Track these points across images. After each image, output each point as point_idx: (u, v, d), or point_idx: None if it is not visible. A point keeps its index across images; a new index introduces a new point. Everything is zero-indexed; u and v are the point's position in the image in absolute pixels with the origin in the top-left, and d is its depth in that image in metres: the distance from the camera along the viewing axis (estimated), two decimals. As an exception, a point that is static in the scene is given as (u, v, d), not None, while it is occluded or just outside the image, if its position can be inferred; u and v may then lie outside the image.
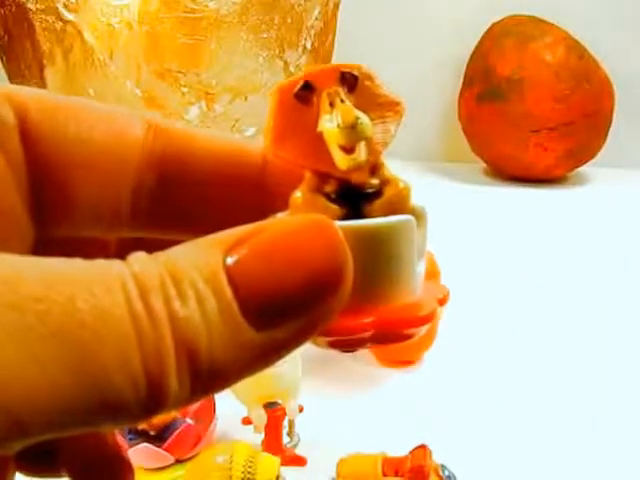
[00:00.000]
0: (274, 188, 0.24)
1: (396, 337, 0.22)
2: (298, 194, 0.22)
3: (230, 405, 0.52)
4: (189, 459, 0.51)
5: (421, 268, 0.23)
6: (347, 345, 0.22)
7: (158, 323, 0.17)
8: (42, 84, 0.93)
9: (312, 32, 0.99)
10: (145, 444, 0.50)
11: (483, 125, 1.15)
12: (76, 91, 0.91)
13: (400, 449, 0.47)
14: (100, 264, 0.18)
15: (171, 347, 0.17)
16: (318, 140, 0.22)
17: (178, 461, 0.51)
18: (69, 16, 0.88)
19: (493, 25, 1.15)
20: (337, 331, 0.21)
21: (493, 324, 0.72)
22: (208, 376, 0.18)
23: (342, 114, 0.21)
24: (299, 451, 0.53)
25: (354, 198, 0.22)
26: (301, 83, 0.22)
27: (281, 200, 0.24)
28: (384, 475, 0.47)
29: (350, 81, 0.22)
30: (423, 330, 0.22)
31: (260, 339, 0.18)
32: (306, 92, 0.22)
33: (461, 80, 1.18)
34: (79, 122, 0.22)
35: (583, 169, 1.20)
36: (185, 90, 0.92)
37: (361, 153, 0.21)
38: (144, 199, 0.24)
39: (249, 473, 0.45)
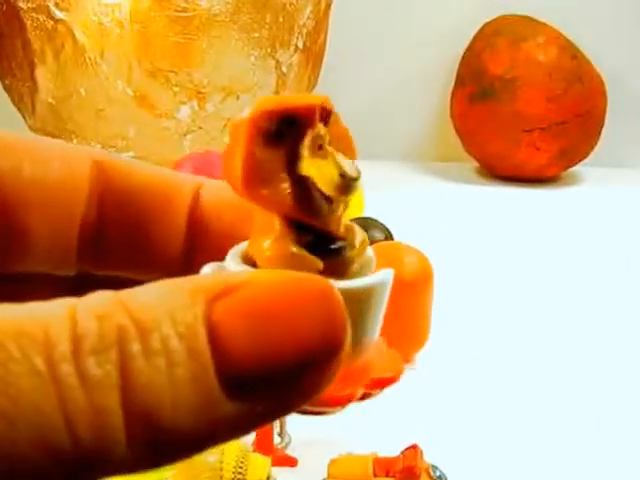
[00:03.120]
0: (207, 223, 0.24)
1: (302, 411, 0.19)
2: (268, 244, 0.19)
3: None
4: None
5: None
6: (320, 414, 0.20)
7: (96, 387, 0.15)
8: (33, 83, 0.93)
9: (304, 31, 0.99)
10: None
11: (476, 125, 1.15)
12: (67, 90, 0.91)
13: (391, 450, 0.47)
14: (26, 312, 0.16)
15: (119, 415, 0.15)
16: (297, 185, 0.19)
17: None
18: (60, 15, 0.88)
19: (485, 25, 1.15)
20: (320, 402, 0.18)
21: (485, 324, 0.72)
22: (168, 446, 0.16)
23: (347, 164, 0.19)
24: (290, 451, 0.52)
25: (321, 250, 0.19)
26: (281, 116, 0.19)
27: (213, 238, 0.23)
28: (375, 476, 0.47)
29: (325, 117, 0.20)
30: (336, 411, 0.20)
31: (235, 411, 0.16)
32: (285, 127, 0.19)
33: (453, 80, 1.19)
34: (33, 161, 0.22)
35: (576, 169, 1.21)
36: (176, 89, 0.91)
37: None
38: (88, 236, 0.24)
39: (239, 474, 0.45)
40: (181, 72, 0.91)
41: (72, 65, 0.90)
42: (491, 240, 0.95)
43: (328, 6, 1.04)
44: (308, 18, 0.99)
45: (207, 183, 0.24)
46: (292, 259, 0.19)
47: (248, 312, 0.16)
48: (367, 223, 0.72)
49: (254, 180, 0.19)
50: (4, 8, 0.91)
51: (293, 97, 0.19)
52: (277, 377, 0.16)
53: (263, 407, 0.16)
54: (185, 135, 0.94)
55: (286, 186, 0.19)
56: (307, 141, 0.19)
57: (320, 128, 0.19)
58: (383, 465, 0.47)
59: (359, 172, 0.19)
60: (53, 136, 0.96)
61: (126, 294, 0.16)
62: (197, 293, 0.16)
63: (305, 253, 0.19)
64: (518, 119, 1.11)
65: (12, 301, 0.23)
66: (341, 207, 0.19)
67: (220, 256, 0.21)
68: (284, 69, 0.98)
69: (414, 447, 0.47)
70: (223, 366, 0.16)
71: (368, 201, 0.84)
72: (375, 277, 0.19)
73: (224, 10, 0.91)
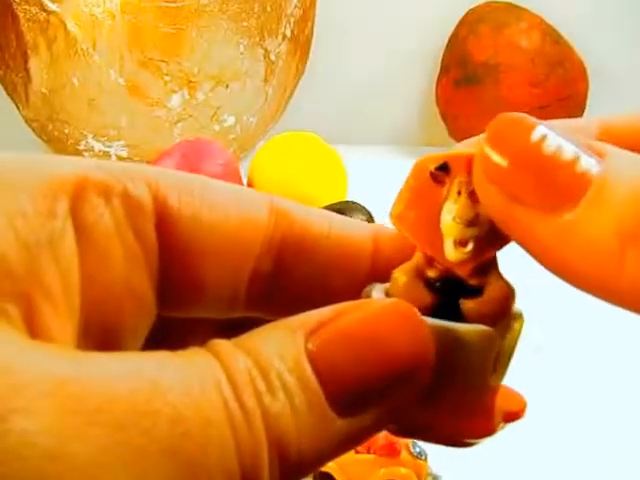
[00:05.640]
0: (386, 269, 0.23)
1: (450, 443, 0.22)
2: (400, 274, 0.22)
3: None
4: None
5: (499, 378, 0.22)
6: (405, 435, 0.22)
7: (252, 422, 0.17)
8: (26, 73, 0.94)
9: (292, 20, 1.00)
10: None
11: (460, 110, 1.16)
12: (60, 80, 0.92)
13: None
14: (190, 359, 0.18)
15: (264, 445, 0.17)
16: (437, 223, 0.21)
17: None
18: (52, 6, 0.89)
19: (469, 12, 1.16)
20: (402, 422, 0.21)
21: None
22: (296, 468, 0.18)
23: (460, 208, 0.21)
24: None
25: (455, 289, 0.21)
26: (439, 163, 0.21)
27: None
28: (356, 452, 0.48)
29: None
30: (478, 442, 0.22)
31: (344, 426, 0.18)
32: (441, 172, 0.21)
33: (438, 66, 1.20)
34: (212, 208, 0.22)
35: (559, 152, 1.21)
36: (167, 78, 0.92)
37: (472, 249, 0.21)
38: (260, 282, 0.24)
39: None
40: (172, 61, 0.92)
41: (65, 56, 0.91)
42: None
43: (315, -5, 1.05)
44: (295, 7, 1.00)
45: (383, 232, 0.25)
46: (410, 289, 0.21)
47: (339, 338, 0.19)
48: (350, 206, 0.73)
49: (404, 210, 0.22)
50: (-3, 1, 0.93)
51: (465, 150, 0.21)
52: (374, 392, 0.19)
53: (369, 418, 0.19)
54: (176, 123, 0.95)
55: (428, 221, 0.21)
56: (450, 187, 0.21)
57: (467, 178, 0.21)
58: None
59: (474, 215, 0.21)
60: (46, 125, 0.97)
61: (243, 339, 0.19)
62: (296, 330, 0.19)
63: (421, 286, 0.21)
64: (502, 104, 1.12)
65: (175, 338, 0.24)
66: (473, 252, 0.21)
67: None
68: (272, 57, 0.99)
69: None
70: (328, 389, 0.18)
71: (352, 185, 0.85)
72: (463, 326, 0.21)
73: (213, 0, 0.92)
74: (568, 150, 0.19)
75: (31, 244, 0.18)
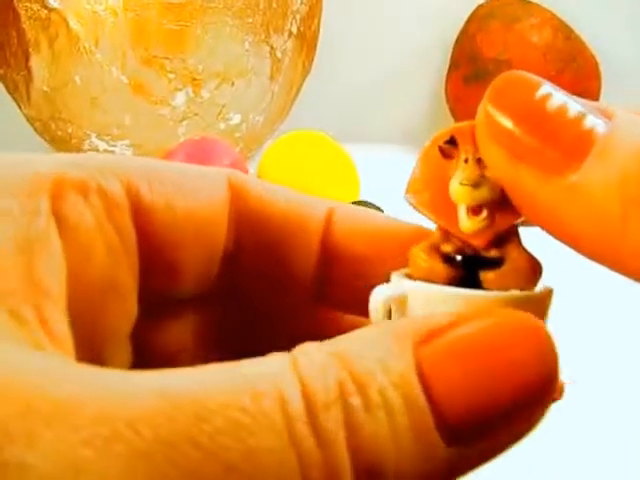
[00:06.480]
0: (340, 248, 0.23)
1: None
2: (418, 250, 0.21)
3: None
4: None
5: None
6: None
7: (330, 446, 0.15)
8: (28, 72, 0.93)
9: (298, 16, 0.99)
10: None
11: (471, 107, 1.15)
12: (62, 78, 0.91)
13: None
14: (258, 373, 0.15)
15: (347, 470, 0.15)
16: (449, 196, 0.21)
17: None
18: (54, 4, 0.88)
19: (478, 7, 1.15)
20: None
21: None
22: None
23: (467, 171, 0.20)
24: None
25: (475, 264, 0.21)
26: (447, 137, 0.21)
27: (346, 259, 0.23)
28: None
29: None
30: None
31: (450, 456, 0.16)
32: (450, 146, 0.21)
33: (448, 62, 1.18)
34: (184, 195, 0.22)
35: (570, 149, 1.20)
36: (171, 76, 0.91)
37: (486, 217, 0.20)
38: (225, 262, 0.23)
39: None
40: (176, 59, 0.91)
41: (67, 54, 0.90)
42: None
43: (321, -9, 1.04)
44: (302, 3, 0.99)
45: (339, 207, 0.24)
46: (426, 263, 0.21)
47: (457, 355, 0.16)
48: (364, 206, 0.72)
49: (417, 189, 0.22)
50: (-2, -2, 0.92)
51: (471, 122, 0.21)
52: (493, 420, 0.16)
53: (479, 450, 0.16)
54: (181, 122, 0.94)
55: (441, 196, 0.21)
56: (458, 157, 0.21)
57: (471, 145, 0.21)
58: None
59: (481, 176, 0.20)
60: (48, 125, 0.96)
61: (337, 345, 0.16)
62: (404, 339, 0.16)
63: (438, 260, 0.21)
64: (513, 100, 1.11)
65: (159, 317, 0.24)
66: (489, 221, 0.20)
67: (353, 280, 0.23)
68: (278, 54, 0.98)
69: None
70: (440, 413, 0.16)
71: (364, 184, 0.84)
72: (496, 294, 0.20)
73: (217, -4, 0.91)
74: (574, 108, 0.18)
75: (22, 244, 0.17)
